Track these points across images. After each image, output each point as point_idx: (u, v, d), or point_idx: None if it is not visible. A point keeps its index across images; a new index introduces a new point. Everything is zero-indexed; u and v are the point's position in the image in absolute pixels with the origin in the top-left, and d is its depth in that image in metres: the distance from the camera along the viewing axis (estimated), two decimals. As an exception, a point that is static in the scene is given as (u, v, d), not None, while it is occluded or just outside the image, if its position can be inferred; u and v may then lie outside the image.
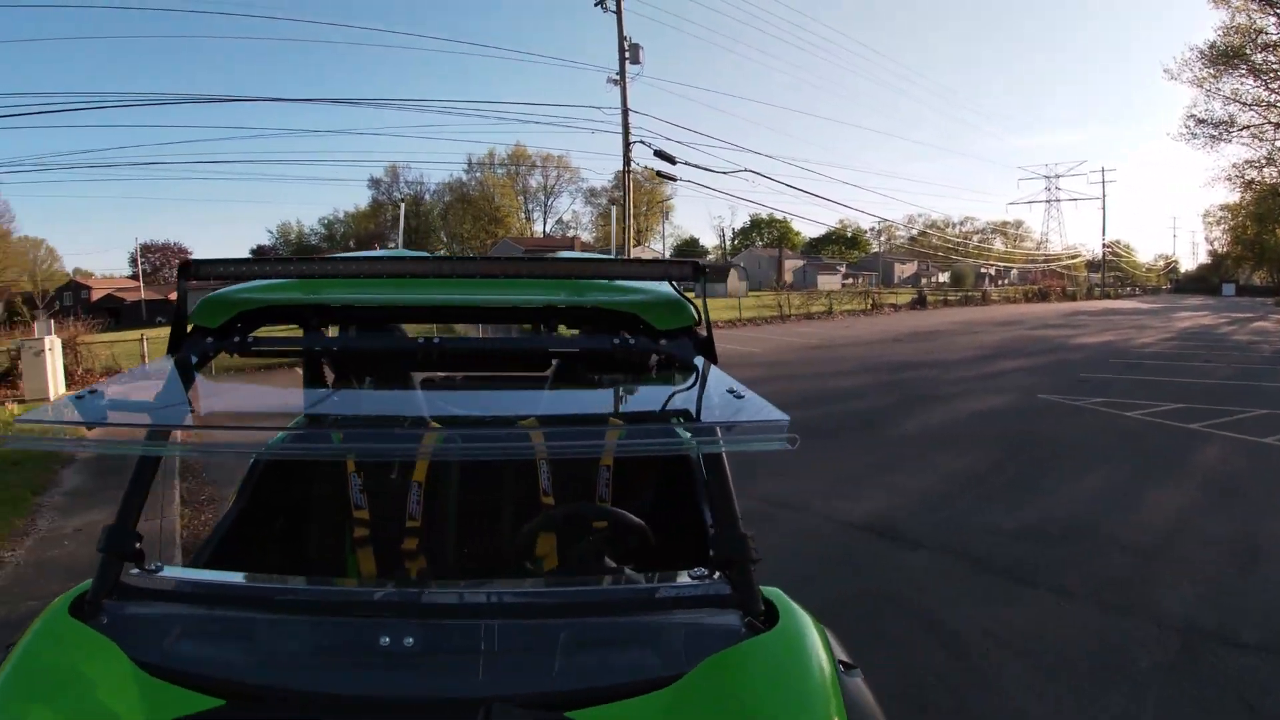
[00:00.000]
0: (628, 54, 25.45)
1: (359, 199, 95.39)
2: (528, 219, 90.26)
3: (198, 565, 2.44)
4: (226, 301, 2.29)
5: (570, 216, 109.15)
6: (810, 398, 12.34)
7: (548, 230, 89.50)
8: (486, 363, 2.87)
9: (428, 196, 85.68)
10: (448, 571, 2.98)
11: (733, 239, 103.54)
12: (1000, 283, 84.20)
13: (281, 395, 2.29)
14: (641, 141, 25.58)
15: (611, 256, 2.75)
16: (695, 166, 25.92)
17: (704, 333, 2.26)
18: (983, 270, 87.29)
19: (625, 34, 25.50)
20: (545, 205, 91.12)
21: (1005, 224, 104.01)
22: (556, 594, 1.93)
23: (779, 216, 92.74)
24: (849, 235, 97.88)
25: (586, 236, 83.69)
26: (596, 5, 25.67)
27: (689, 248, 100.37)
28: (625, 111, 25.44)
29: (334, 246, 77.98)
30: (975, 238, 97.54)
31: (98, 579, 1.83)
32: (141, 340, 18.99)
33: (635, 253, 72.65)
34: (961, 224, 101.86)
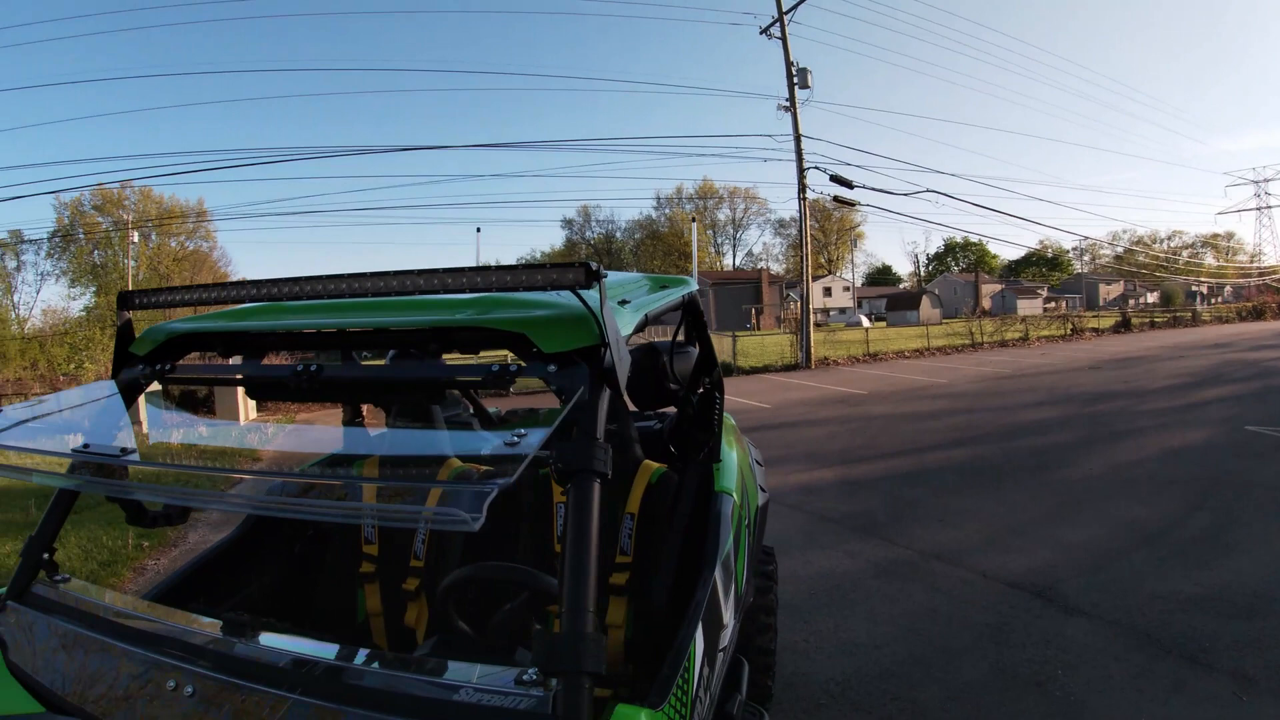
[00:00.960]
0: (795, 79, 24.80)
1: (554, 239, 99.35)
2: (717, 253, 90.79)
3: (183, 581, 2.62)
4: (158, 331, 2.31)
5: (760, 249, 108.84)
6: (985, 433, 11.21)
7: (738, 263, 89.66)
8: (368, 393, 2.53)
9: (619, 234, 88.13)
10: (444, 617, 2.79)
11: (927, 265, 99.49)
12: (1213, 300, 74.85)
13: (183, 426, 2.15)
14: (816, 167, 24.82)
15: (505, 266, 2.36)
16: (875, 190, 24.86)
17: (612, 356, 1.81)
18: (1194, 288, 78.17)
19: (792, 59, 24.92)
20: (734, 238, 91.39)
21: (1215, 236, 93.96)
22: (352, 675, 1.69)
23: (973, 239, 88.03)
24: (1049, 256, 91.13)
25: (777, 268, 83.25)
26: (762, 34, 25.29)
27: (881, 275, 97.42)
28: (798, 138, 24.75)
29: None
30: (1184, 253, 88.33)
31: (10, 583, 2.07)
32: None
33: (824, 283, 72.52)
34: (1169, 239, 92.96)
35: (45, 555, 2.11)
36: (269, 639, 1.82)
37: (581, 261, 1.66)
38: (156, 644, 1.77)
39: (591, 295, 1.72)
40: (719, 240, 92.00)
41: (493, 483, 1.35)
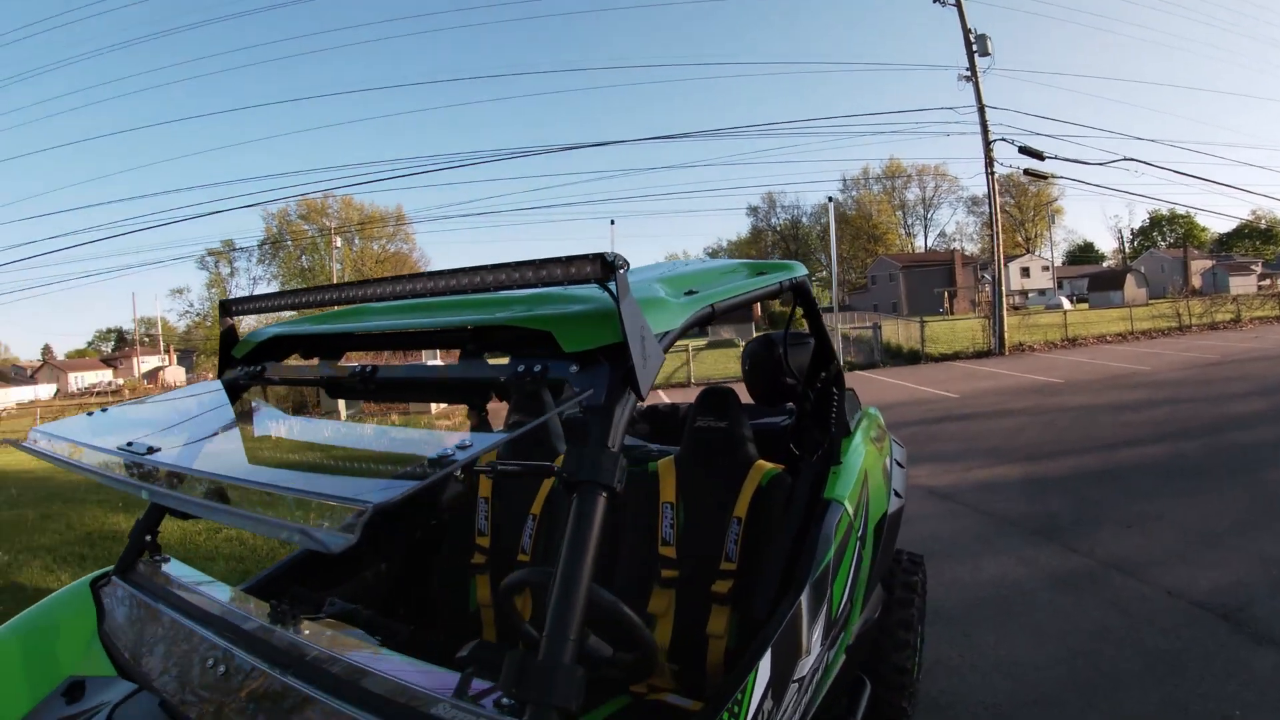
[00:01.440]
0: (975, 46, 23.32)
1: (740, 227, 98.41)
2: (908, 234, 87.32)
3: (296, 565, 2.81)
4: (255, 335, 2.45)
5: (953, 228, 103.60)
6: (1187, 427, 10.00)
7: (929, 244, 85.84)
8: (415, 392, 2.62)
9: (804, 219, 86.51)
10: (506, 618, 2.80)
11: (1131, 240, 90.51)
12: None
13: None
14: (1003, 139, 23.27)
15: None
16: (1068, 161, 22.95)
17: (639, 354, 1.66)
18: None
19: (969, 25, 23.47)
20: (925, 219, 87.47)
21: None
22: (354, 673, 1.66)
23: (1180, 211, 79.39)
24: (1263, 228, 79.44)
25: (971, 248, 78.98)
26: (935, 1, 23.89)
27: (1083, 253, 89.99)
28: (981, 108, 23.27)
29: None
30: None
31: (119, 561, 2.30)
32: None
33: (1020, 263, 67.80)
34: None
35: (149, 537, 2.33)
36: (274, 630, 1.85)
37: (598, 253, 1.55)
38: (212, 625, 1.90)
39: (624, 285, 1.59)
40: (909, 221, 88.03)
41: (365, 502, 1.16)
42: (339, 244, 61.40)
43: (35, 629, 2.14)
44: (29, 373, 73.90)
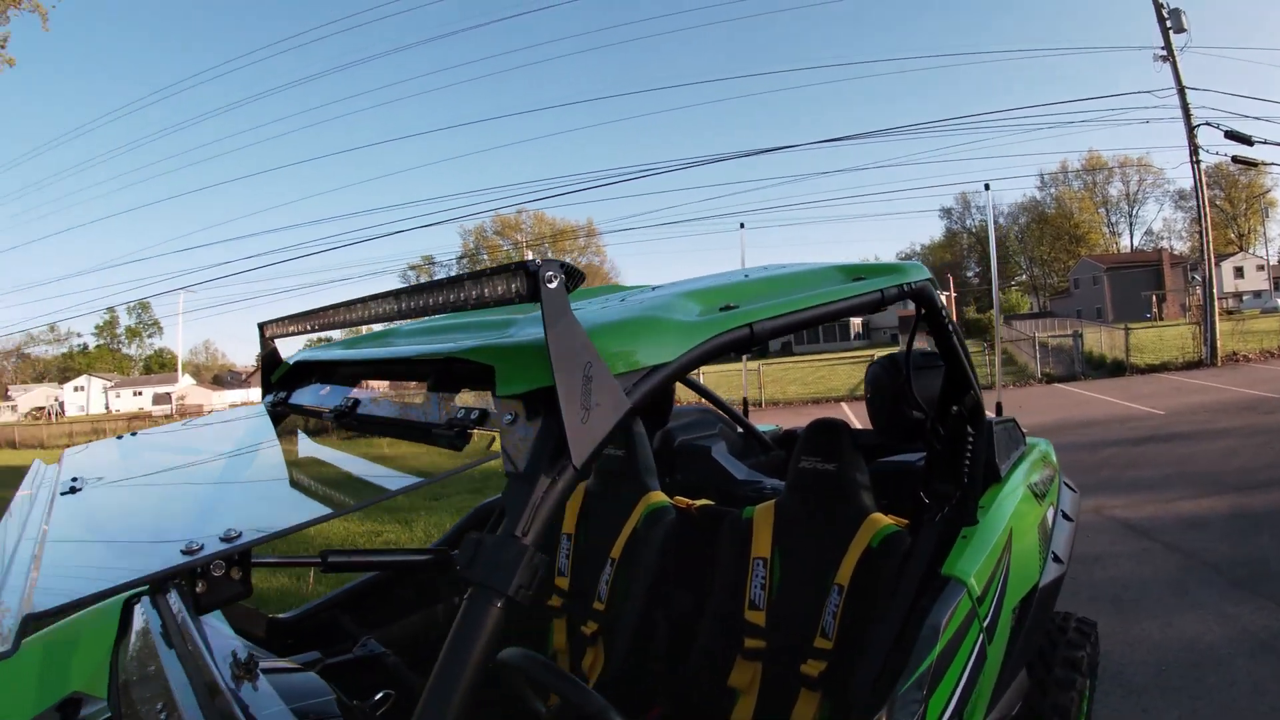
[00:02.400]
0: (1169, 22, 20.84)
1: (934, 230, 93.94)
2: (1112, 233, 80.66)
3: (367, 589, 2.63)
4: (291, 360, 2.39)
5: (1160, 225, 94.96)
6: None
7: (1135, 243, 78.62)
8: (397, 430, 2.26)
9: (1001, 220, 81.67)
10: (613, 674, 2.53)
11: None
12: None
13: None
14: (1208, 123, 20.65)
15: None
16: (1280, 145, 20.20)
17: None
18: None
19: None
20: (1130, 215, 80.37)
21: None
22: None
23: None
24: None
25: (1180, 246, 71.73)
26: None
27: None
28: (1181, 90, 20.84)
29: None
30: None
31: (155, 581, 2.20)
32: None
33: (1232, 262, 60.38)
34: None
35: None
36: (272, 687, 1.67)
37: (520, 263, 1.20)
38: (186, 664, 1.68)
39: (557, 301, 1.20)
40: (1113, 218, 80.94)
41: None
42: (531, 258, 64.16)
43: (60, 640, 2.12)
44: (244, 376, 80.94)
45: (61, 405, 72.98)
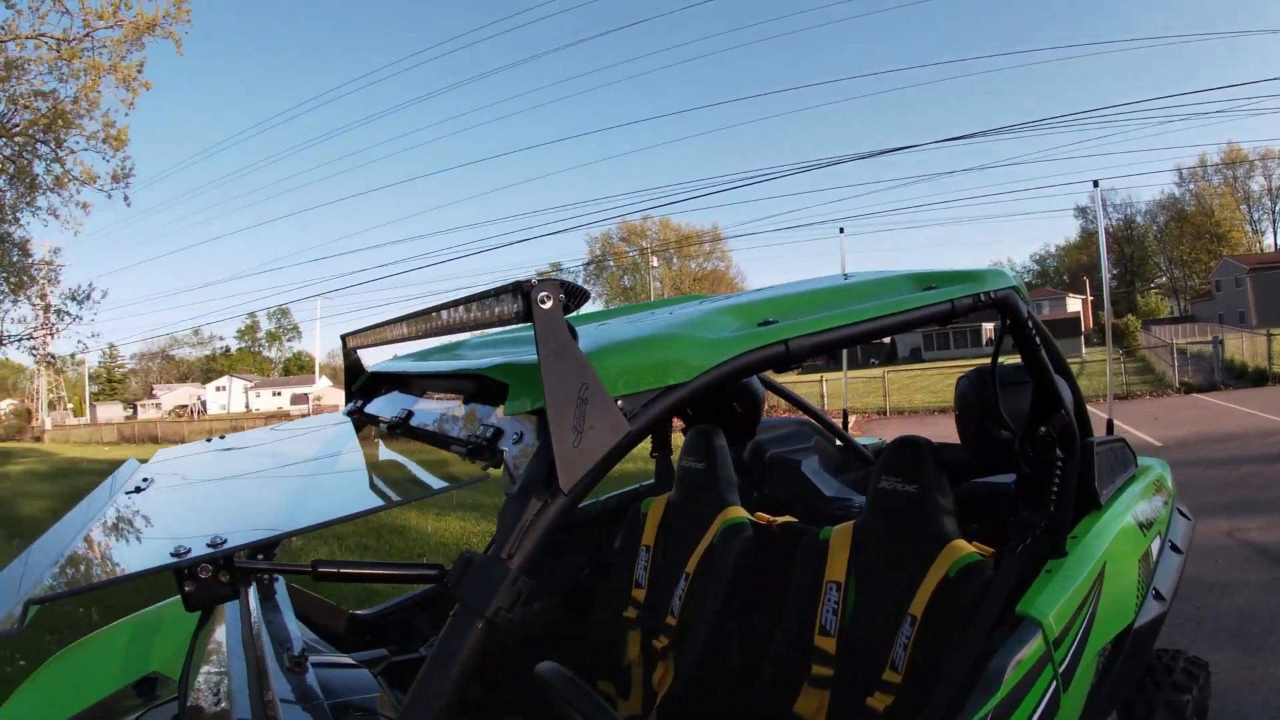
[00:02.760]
0: None
1: (1068, 231, 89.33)
2: (1255, 231, 75.14)
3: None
4: (370, 372, 2.48)
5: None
6: None
7: (1280, 243, 72.90)
8: (435, 442, 2.23)
9: (1139, 219, 77.25)
10: (680, 690, 2.51)
11: None
12: None
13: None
14: None
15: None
16: None
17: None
18: None
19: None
20: (1274, 212, 74.49)
21: None
22: None
23: None
24: None
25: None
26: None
27: None
28: None
29: (1045, 284, 75.00)
30: None
31: None
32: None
33: None
34: None
35: (259, 555, 2.32)
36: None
37: (515, 283, 1.18)
38: (247, 654, 1.79)
39: (552, 322, 1.18)
40: (1256, 215, 75.28)
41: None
42: (656, 264, 64.58)
43: (148, 624, 2.26)
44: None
45: (204, 404, 77.81)
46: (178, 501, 1.85)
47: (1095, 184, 4.66)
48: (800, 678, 2.29)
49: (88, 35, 21.78)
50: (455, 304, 1.37)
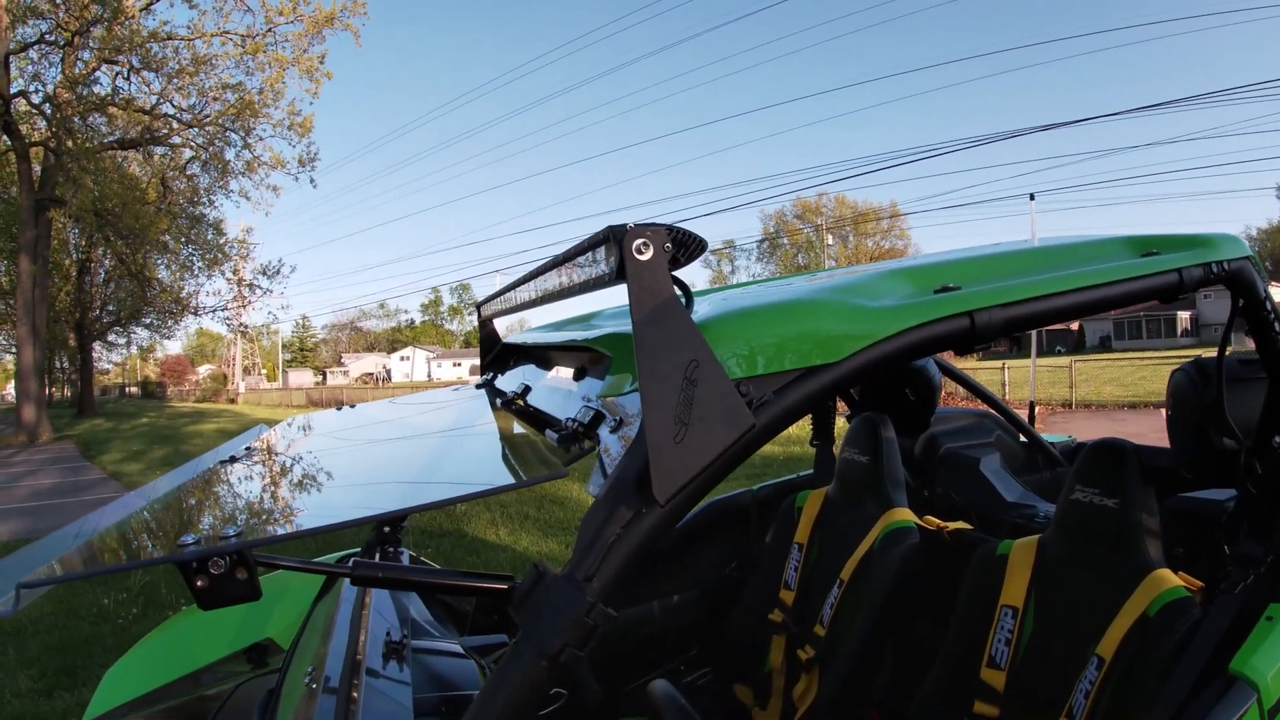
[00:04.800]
0: None
1: (1271, 212, 79.93)
2: None
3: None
4: (504, 343, 2.42)
5: None
6: None
7: None
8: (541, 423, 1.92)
9: None
10: (823, 709, 2.27)
11: None
12: None
13: None
14: None
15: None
16: None
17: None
18: None
19: None
20: None
21: None
22: None
23: None
24: None
25: None
26: None
27: None
28: None
29: None
30: None
31: (364, 545, 2.34)
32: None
33: None
34: None
35: (386, 529, 2.24)
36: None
37: (608, 229, 0.93)
38: (351, 631, 1.77)
39: (652, 278, 0.92)
40: None
41: None
42: (831, 241, 63.47)
43: (271, 588, 2.16)
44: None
45: (389, 372, 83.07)
46: (251, 478, 1.77)
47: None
48: (959, 713, 1.97)
49: (269, 31, 23.60)
50: (557, 262, 1.15)
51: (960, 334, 1.20)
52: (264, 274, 29.20)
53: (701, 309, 1.06)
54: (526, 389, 1.74)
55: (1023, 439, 3.63)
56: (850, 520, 2.54)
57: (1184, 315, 52.93)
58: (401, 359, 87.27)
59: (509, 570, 4.96)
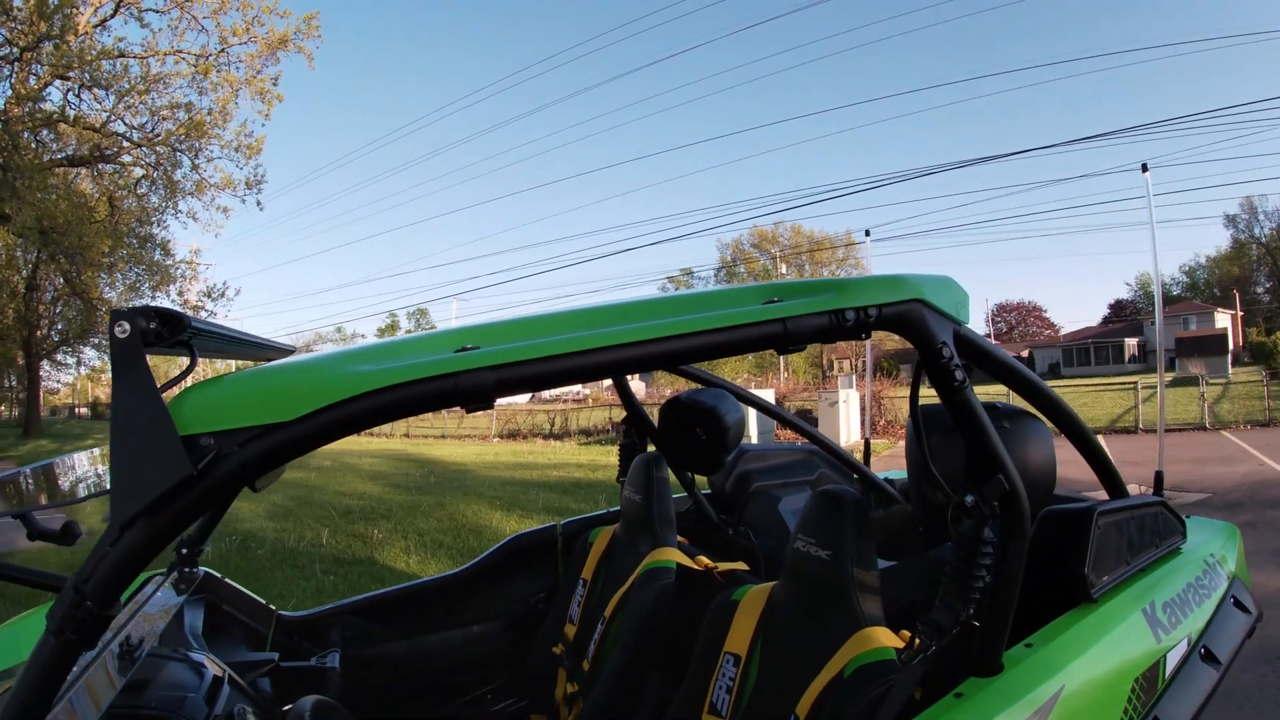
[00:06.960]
0: None
1: (1218, 240, 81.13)
2: None
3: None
4: None
5: None
6: None
7: None
8: None
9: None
10: None
11: None
12: None
13: None
14: None
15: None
16: None
17: None
18: None
19: None
20: None
21: None
22: None
23: None
24: None
25: None
26: None
27: None
28: None
29: (1195, 296, 68.92)
30: None
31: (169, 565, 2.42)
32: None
33: None
34: None
35: (182, 550, 2.37)
36: None
37: (112, 310, 1.08)
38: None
39: (125, 358, 1.09)
40: None
41: None
42: (785, 270, 64.03)
43: None
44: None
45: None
46: None
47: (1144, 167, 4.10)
48: None
49: (223, 51, 23.54)
50: None
51: (454, 392, 1.18)
52: (209, 296, 28.72)
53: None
54: None
55: (854, 477, 3.48)
56: (626, 557, 2.60)
57: (1131, 342, 54.08)
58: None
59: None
